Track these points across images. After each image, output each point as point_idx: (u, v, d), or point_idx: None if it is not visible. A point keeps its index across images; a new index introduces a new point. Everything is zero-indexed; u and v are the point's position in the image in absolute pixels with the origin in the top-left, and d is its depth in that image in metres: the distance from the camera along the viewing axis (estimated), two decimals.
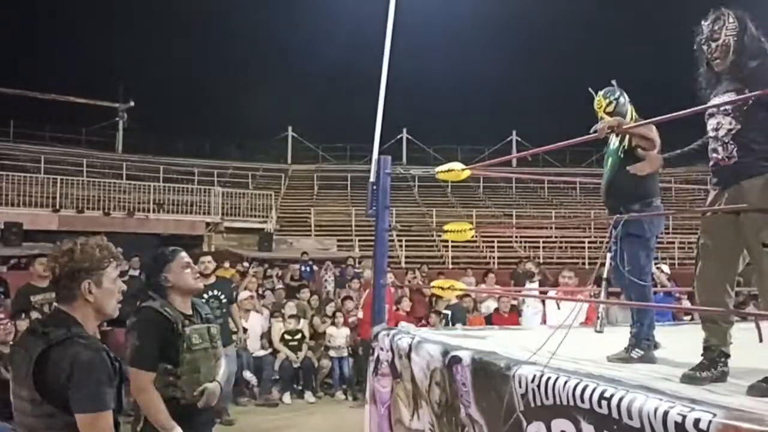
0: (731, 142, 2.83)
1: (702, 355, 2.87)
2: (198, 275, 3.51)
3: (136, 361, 3.06)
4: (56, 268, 2.35)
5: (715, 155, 2.91)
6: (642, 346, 3.48)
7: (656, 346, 3.58)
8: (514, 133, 30.53)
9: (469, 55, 32.56)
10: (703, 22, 2.95)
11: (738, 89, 2.86)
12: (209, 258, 7.60)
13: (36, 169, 20.78)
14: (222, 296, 7.51)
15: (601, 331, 4.07)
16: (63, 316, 2.34)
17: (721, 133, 2.86)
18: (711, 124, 2.94)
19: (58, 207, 18.15)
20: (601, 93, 3.80)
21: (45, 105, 27.08)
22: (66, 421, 2.18)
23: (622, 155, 3.68)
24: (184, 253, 3.42)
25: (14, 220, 16.09)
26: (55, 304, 2.43)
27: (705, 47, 2.94)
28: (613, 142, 3.78)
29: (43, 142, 26.13)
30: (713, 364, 2.81)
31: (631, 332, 3.59)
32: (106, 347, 2.34)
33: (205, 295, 7.44)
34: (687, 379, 2.77)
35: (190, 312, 3.33)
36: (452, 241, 19.65)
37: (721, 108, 2.87)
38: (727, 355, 2.86)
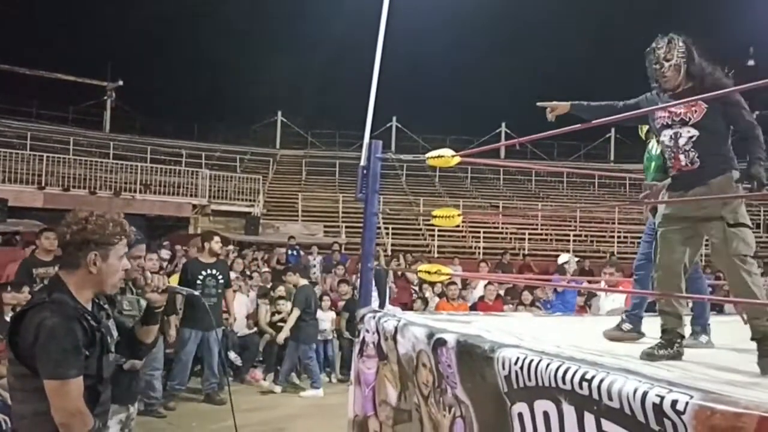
0: (692, 149, 3.12)
1: (660, 337, 3.14)
2: None
3: None
4: (67, 234, 2.36)
5: (677, 163, 3.18)
6: (633, 321, 3.89)
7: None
8: (503, 125, 30.53)
9: (461, 46, 32.55)
10: (654, 45, 3.21)
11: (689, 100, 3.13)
12: (217, 238, 7.92)
13: (22, 145, 20.64)
14: (220, 277, 7.61)
15: None
16: (56, 282, 2.36)
17: (682, 142, 3.15)
18: (667, 134, 3.21)
19: (43, 184, 18.03)
20: None
21: (33, 81, 26.80)
22: (37, 384, 2.20)
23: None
24: None
25: None
26: (56, 269, 2.44)
27: (657, 66, 3.19)
28: (655, 148, 4.07)
29: (30, 119, 25.93)
30: (670, 344, 3.08)
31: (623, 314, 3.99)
32: (89, 316, 2.32)
33: (204, 273, 7.53)
34: (645, 356, 3.00)
35: None
36: (438, 230, 19.76)
37: (678, 119, 3.15)
38: (683, 336, 3.16)
